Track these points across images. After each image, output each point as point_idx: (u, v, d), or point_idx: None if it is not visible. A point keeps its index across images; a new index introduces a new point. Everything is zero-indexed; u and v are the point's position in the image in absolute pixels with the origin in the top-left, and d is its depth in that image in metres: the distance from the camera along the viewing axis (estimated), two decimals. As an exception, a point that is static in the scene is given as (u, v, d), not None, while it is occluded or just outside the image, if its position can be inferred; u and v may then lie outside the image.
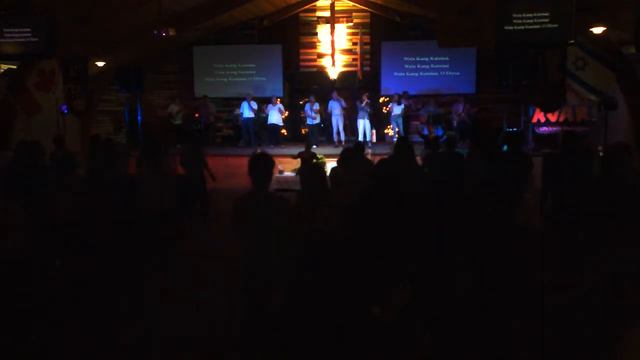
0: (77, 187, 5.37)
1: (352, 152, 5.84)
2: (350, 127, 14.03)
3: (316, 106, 13.11)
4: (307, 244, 3.17)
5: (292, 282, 3.19)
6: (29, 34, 7.52)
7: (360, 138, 12.80)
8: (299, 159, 9.71)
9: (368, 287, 3.02)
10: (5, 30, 7.55)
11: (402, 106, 12.95)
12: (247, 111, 13.17)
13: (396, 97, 13.05)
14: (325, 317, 3.03)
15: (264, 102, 13.58)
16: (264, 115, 13.59)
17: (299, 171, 9.68)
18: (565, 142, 5.39)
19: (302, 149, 9.78)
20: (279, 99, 13.49)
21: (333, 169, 5.79)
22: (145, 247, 5.24)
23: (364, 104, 12.92)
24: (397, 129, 13.00)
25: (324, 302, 3.04)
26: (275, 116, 13.25)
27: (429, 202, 3.61)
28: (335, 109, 12.91)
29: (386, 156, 6.87)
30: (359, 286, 3.05)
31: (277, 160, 8.04)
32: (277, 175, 10.55)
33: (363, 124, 12.98)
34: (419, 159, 6.30)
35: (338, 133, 13.06)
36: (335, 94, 13.06)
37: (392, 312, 2.82)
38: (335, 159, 7.07)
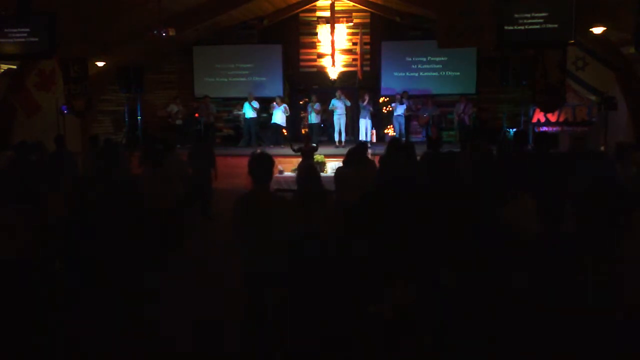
0: (77, 187, 5.37)
1: (358, 151, 5.83)
2: (351, 126, 14.00)
3: (317, 106, 13.10)
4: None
5: (291, 281, 3.19)
6: (29, 34, 7.53)
7: (361, 137, 12.76)
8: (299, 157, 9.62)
9: (367, 286, 3.02)
10: (5, 30, 7.55)
11: (405, 106, 12.95)
12: (249, 111, 13.19)
13: (399, 97, 13.04)
14: (324, 315, 3.03)
15: (264, 102, 13.58)
16: (265, 115, 13.60)
17: (297, 168, 9.61)
18: (537, 143, 5.39)
19: (302, 145, 9.65)
20: (284, 100, 13.49)
21: (338, 169, 5.77)
22: (147, 246, 5.24)
23: (365, 103, 12.91)
24: (398, 129, 12.98)
25: (321, 301, 3.03)
26: (280, 116, 13.28)
27: (427, 201, 3.61)
28: (339, 108, 12.83)
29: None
30: (358, 285, 3.05)
31: (277, 160, 8.04)
32: (277, 175, 10.54)
33: (365, 124, 12.95)
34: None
35: (340, 133, 13.00)
36: (339, 93, 12.97)
37: (392, 310, 2.82)
38: (336, 159, 7.06)
